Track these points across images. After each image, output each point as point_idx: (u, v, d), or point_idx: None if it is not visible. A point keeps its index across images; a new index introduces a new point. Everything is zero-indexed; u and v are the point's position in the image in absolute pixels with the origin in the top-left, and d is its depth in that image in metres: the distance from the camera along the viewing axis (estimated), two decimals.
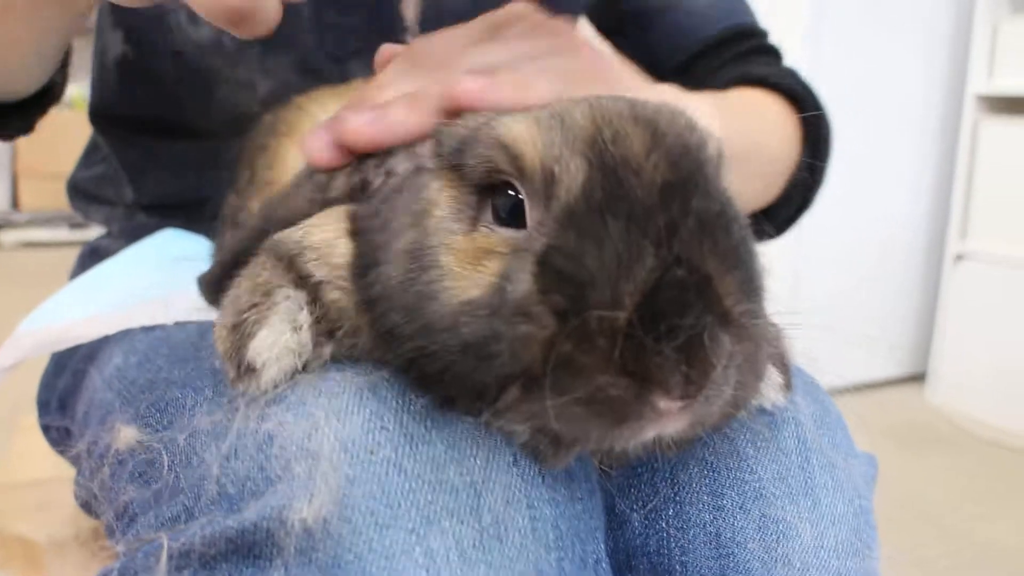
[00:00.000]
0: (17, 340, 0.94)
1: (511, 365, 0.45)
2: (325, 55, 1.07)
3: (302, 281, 0.55)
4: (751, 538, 0.55)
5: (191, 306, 0.75)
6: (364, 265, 0.53)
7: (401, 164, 0.56)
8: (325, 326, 0.55)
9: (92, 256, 1.14)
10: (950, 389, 3.05)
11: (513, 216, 0.48)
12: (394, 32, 1.08)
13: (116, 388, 0.75)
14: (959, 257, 3.01)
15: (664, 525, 0.56)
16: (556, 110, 0.48)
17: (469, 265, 0.48)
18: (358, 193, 0.57)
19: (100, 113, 1.12)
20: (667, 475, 0.58)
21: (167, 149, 1.10)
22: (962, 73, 3.03)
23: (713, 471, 0.57)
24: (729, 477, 0.57)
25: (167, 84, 1.05)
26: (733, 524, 0.56)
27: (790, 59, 1.18)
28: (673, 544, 0.56)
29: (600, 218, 0.44)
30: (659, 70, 1.19)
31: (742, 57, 1.14)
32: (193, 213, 1.09)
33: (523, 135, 0.47)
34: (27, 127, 0.90)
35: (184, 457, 0.55)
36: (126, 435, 0.62)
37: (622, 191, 0.45)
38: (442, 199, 0.51)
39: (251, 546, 0.47)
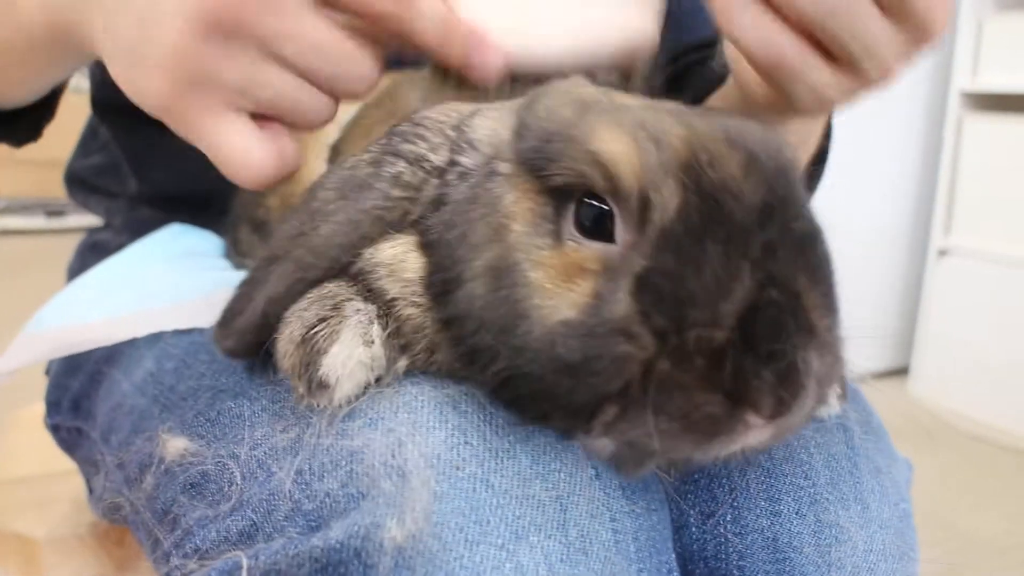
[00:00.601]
0: (29, 341, 0.92)
1: (610, 384, 0.45)
2: None
3: (370, 294, 0.55)
4: (807, 543, 0.56)
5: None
6: (442, 281, 0.52)
7: (472, 161, 0.55)
8: (398, 340, 0.54)
9: (94, 251, 1.12)
10: (933, 383, 3.10)
11: (597, 226, 0.48)
12: None
13: (151, 394, 0.73)
14: (943, 252, 3.05)
15: (722, 530, 0.57)
16: (652, 130, 0.48)
17: (560, 282, 0.48)
18: (431, 209, 0.56)
19: (104, 102, 1.10)
20: (724, 480, 0.59)
21: (172, 140, 1.08)
22: (947, 70, 3.06)
23: (770, 476, 0.58)
24: (785, 483, 0.58)
25: None
26: (790, 529, 0.57)
27: None
28: (731, 549, 0.57)
29: (698, 241, 0.45)
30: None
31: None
32: (198, 206, 1.07)
33: (622, 156, 0.47)
34: (36, 133, 0.90)
35: (248, 470, 0.55)
36: (175, 445, 0.61)
37: (721, 214, 0.45)
38: (519, 211, 0.50)
39: (337, 565, 0.46)
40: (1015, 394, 2.80)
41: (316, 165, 0.93)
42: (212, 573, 0.51)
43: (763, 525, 0.57)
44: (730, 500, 0.58)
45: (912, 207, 3.30)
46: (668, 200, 0.46)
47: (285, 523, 0.50)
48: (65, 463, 1.47)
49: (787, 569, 0.56)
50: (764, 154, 0.48)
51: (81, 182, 1.18)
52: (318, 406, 0.53)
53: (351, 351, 0.52)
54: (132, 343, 0.82)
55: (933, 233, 3.08)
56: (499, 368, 0.49)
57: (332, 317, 0.53)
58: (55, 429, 1.01)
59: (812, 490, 0.58)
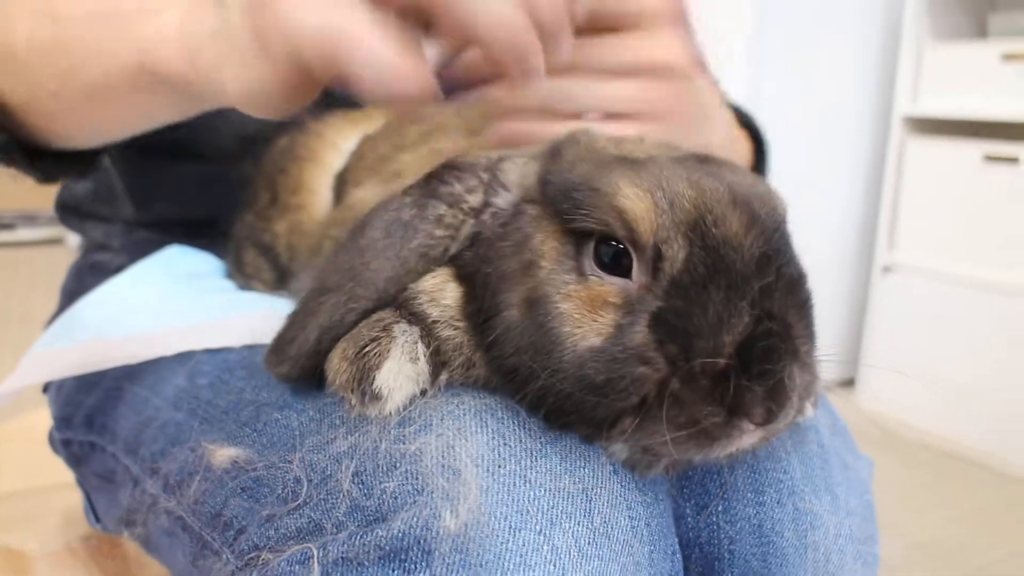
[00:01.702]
0: (43, 359, 0.95)
1: (629, 400, 0.54)
2: None
3: (413, 317, 0.62)
4: (787, 528, 0.64)
5: (260, 329, 0.79)
6: (480, 310, 0.60)
7: (503, 201, 0.62)
8: (439, 357, 0.61)
9: (92, 271, 1.14)
10: (878, 394, 3.22)
11: (615, 263, 0.57)
12: None
13: (187, 408, 0.78)
14: (887, 269, 3.18)
15: (715, 519, 0.65)
16: (668, 191, 0.56)
17: (587, 312, 0.56)
18: (466, 244, 0.63)
19: None
20: (716, 477, 0.66)
21: (172, 170, 1.12)
22: (889, 96, 3.20)
23: (754, 472, 0.66)
24: (768, 477, 0.66)
25: None
26: (772, 516, 0.65)
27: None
28: (722, 535, 0.64)
29: (703, 288, 0.53)
30: None
31: None
32: (195, 230, 1.11)
33: (642, 213, 0.55)
34: (93, 166, 0.92)
35: (304, 474, 0.60)
36: (224, 454, 0.66)
37: (723, 264, 0.54)
38: (546, 250, 0.58)
39: (399, 551, 0.53)
40: (956, 403, 2.92)
41: (324, 194, 0.99)
42: (282, 563, 0.56)
43: (750, 514, 0.65)
44: (721, 493, 0.65)
45: (858, 225, 3.42)
46: (677, 254, 0.54)
47: (344, 519, 0.56)
48: (53, 477, 1.48)
49: (771, 551, 0.64)
50: (763, 211, 0.57)
51: (74, 210, 1.21)
52: (370, 416, 0.59)
53: (400, 366, 0.59)
54: (156, 361, 0.86)
55: (878, 250, 3.21)
56: (536, 386, 0.57)
57: (383, 337, 0.59)
58: (66, 444, 1.03)
59: (790, 483, 0.66)
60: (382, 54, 0.54)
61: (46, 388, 1.13)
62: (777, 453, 0.67)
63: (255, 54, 0.59)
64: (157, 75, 0.70)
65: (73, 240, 5.03)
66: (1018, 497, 2.66)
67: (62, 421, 1.03)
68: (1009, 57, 2.78)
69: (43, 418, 1.21)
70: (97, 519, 1.06)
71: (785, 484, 0.66)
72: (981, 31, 3.17)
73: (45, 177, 0.89)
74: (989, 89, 2.86)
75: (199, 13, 0.66)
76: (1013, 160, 2.77)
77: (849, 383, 3.40)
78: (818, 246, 3.33)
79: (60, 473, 1.19)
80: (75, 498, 1.19)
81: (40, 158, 0.87)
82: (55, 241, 5.29)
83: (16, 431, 1.61)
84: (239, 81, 0.62)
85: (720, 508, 0.65)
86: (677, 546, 0.64)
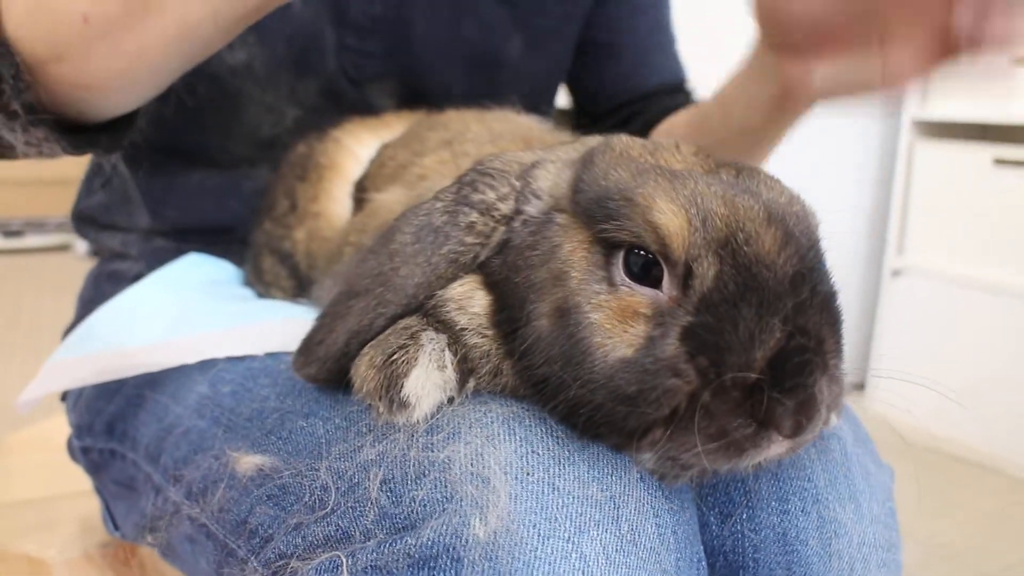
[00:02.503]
0: (65, 366, 0.96)
1: (660, 411, 0.54)
2: (346, 79, 1.11)
3: (441, 325, 0.62)
4: (812, 536, 0.65)
5: (282, 337, 0.80)
6: (509, 319, 0.60)
7: (534, 209, 0.63)
8: (466, 364, 0.62)
9: (111, 279, 1.15)
10: (889, 398, 3.20)
11: (645, 272, 0.57)
12: (409, 57, 1.13)
13: (210, 416, 0.78)
14: (896, 272, 3.18)
15: (739, 527, 0.65)
16: (701, 208, 0.56)
17: (617, 322, 0.56)
18: (495, 252, 0.63)
19: (131, 141, 1.14)
20: (740, 485, 0.67)
21: (188, 177, 1.13)
22: (898, 100, 3.20)
23: (778, 480, 0.66)
24: (792, 485, 0.66)
25: (198, 109, 1.07)
26: (797, 525, 0.65)
27: None
28: (747, 543, 0.65)
29: (733, 305, 0.54)
30: (603, 101, 1.32)
31: (682, 105, 1.28)
32: (210, 238, 1.12)
33: (676, 229, 0.55)
34: (117, 144, 0.87)
35: (332, 482, 0.61)
36: (249, 461, 0.67)
37: (754, 283, 0.54)
38: (575, 259, 0.59)
39: (429, 559, 0.53)
40: (967, 407, 2.91)
41: (343, 201, 0.99)
42: (311, 571, 0.57)
43: (774, 522, 0.65)
44: (745, 502, 0.66)
45: (867, 229, 3.42)
46: (707, 272, 0.55)
47: (373, 527, 0.57)
48: (71, 485, 1.49)
49: (795, 560, 0.64)
50: (798, 229, 0.57)
51: (91, 221, 1.21)
52: (398, 424, 0.60)
53: (428, 374, 0.59)
54: (177, 369, 0.86)
55: (887, 254, 3.20)
56: (567, 396, 0.57)
57: (410, 345, 0.60)
58: (85, 451, 1.03)
59: (814, 491, 0.66)
60: None
61: (64, 396, 1.13)
62: (801, 462, 0.67)
63: None
64: None
65: (81, 247, 5.05)
66: None
67: (82, 428, 1.03)
68: (1019, 60, 2.77)
69: (59, 426, 1.21)
70: (115, 527, 1.06)
71: (809, 492, 0.66)
72: None
73: (73, 146, 0.83)
74: (998, 92, 2.85)
75: None
76: (1023, 164, 2.76)
77: (859, 388, 3.39)
78: (828, 249, 3.31)
79: (77, 481, 1.19)
80: (92, 506, 1.19)
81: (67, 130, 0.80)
82: (63, 248, 5.31)
83: (32, 439, 1.62)
84: None
85: (744, 516, 0.65)
86: (703, 554, 0.64)
